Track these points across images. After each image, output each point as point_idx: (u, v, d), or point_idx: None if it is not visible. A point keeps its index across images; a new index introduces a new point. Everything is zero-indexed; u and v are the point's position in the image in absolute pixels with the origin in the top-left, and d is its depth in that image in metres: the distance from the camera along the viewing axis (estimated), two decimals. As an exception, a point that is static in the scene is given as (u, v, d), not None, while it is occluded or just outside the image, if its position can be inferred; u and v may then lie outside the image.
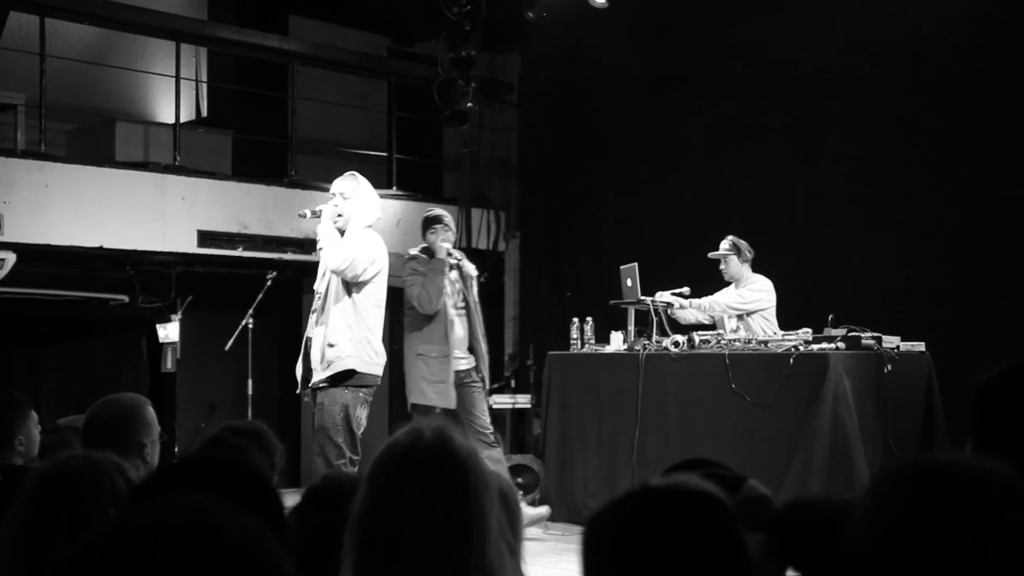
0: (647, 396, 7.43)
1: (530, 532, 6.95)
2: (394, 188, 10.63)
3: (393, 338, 8.27)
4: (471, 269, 7.55)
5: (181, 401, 9.76)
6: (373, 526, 1.94)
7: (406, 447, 1.98)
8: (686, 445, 7.08)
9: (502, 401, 9.79)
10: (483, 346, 7.53)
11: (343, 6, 11.33)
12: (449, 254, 7.34)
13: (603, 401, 7.78)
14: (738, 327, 7.74)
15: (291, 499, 2.46)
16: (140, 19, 9.47)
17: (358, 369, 6.18)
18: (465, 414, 7.33)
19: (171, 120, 9.64)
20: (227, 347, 8.66)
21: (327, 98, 10.97)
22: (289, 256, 9.58)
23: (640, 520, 1.45)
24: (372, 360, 6.26)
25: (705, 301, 7.92)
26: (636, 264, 7.85)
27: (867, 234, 8.46)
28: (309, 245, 6.49)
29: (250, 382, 8.92)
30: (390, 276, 6.51)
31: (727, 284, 8.04)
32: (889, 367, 6.80)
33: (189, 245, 9.17)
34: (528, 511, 7.31)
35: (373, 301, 6.31)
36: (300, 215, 6.70)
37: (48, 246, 8.45)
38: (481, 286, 8.15)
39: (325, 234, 6.30)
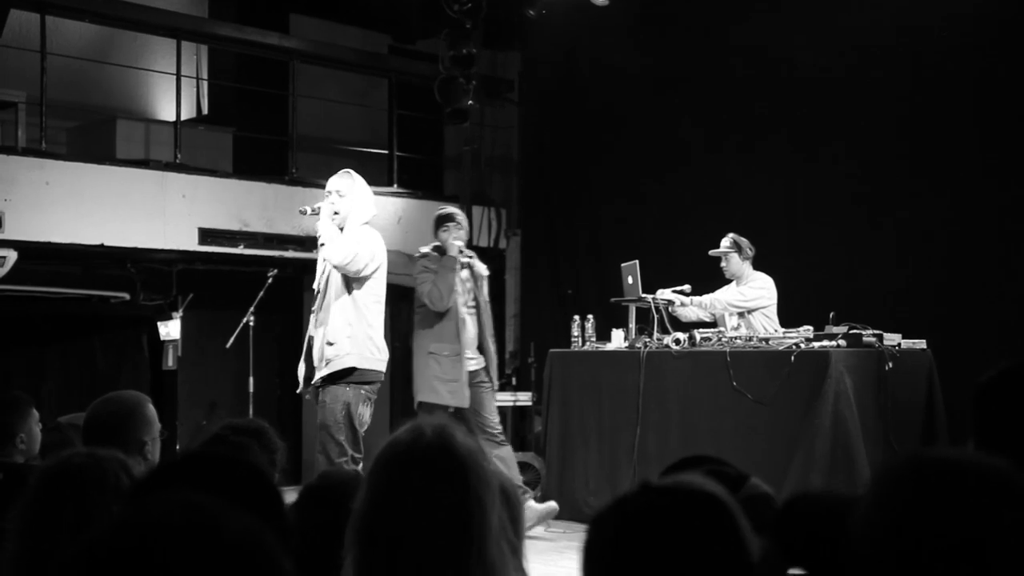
0: (648, 394, 7.43)
1: (531, 530, 6.96)
2: (395, 186, 10.63)
3: (393, 335, 8.27)
4: (482, 269, 7.55)
5: (182, 399, 9.75)
6: (374, 524, 1.95)
7: (407, 445, 1.99)
8: (687, 443, 7.08)
9: (503, 399, 9.78)
10: (492, 346, 7.53)
11: (344, 4, 11.33)
12: (461, 252, 7.34)
13: (604, 399, 7.79)
14: (739, 325, 7.74)
15: (292, 496, 2.46)
16: (141, 17, 9.47)
17: (358, 366, 6.17)
18: (474, 414, 7.33)
19: (172, 118, 9.65)
20: (228, 345, 8.66)
21: (328, 96, 10.98)
22: (290, 254, 9.58)
23: (639, 520, 1.45)
24: (374, 356, 6.25)
25: (706, 299, 7.92)
26: (637, 262, 7.85)
27: (867, 234, 8.45)
28: (310, 242, 6.49)
29: (251, 380, 8.92)
30: (390, 273, 6.51)
31: (728, 282, 8.03)
32: (890, 364, 6.80)
33: (190, 243, 9.17)
34: (536, 507, 7.32)
35: (374, 297, 6.30)
36: (301, 211, 6.69)
37: (49, 244, 8.45)
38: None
39: (325, 230, 6.30)
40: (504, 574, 2.01)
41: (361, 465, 5.95)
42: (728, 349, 7.12)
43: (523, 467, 8.36)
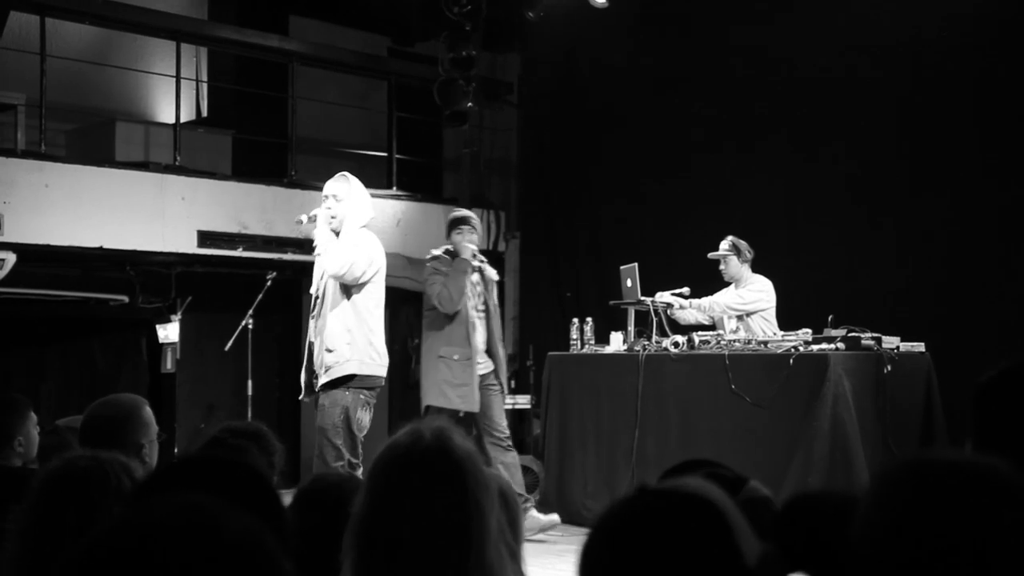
0: (647, 397, 7.43)
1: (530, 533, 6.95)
2: (394, 188, 10.63)
3: (392, 338, 8.26)
4: (492, 274, 7.55)
5: (181, 401, 9.75)
6: (373, 526, 1.95)
7: (406, 448, 1.99)
8: (686, 446, 7.08)
9: (501, 401, 9.79)
10: (502, 350, 7.53)
11: (343, 6, 11.33)
12: (473, 255, 7.33)
13: (603, 401, 7.78)
14: (738, 327, 7.74)
15: (289, 499, 2.46)
16: (140, 19, 9.47)
17: (358, 372, 6.15)
18: (482, 418, 7.33)
19: (171, 120, 9.64)
20: (227, 347, 8.65)
21: (327, 98, 10.98)
22: (289, 256, 9.57)
23: (632, 524, 1.45)
24: (375, 361, 6.23)
25: (705, 301, 7.93)
26: (636, 264, 7.85)
27: (867, 234, 8.45)
28: (309, 245, 6.47)
29: (250, 383, 8.91)
30: (389, 276, 6.50)
31: (727, 284, 8.04)
32: (889, 368, 6.80)
33: (189, 245, 9.17)
34: (539, 517, 7.31)
35: (374, 301, 6.29)
36: (297, 222, 6.65)
37: (48, 246, 8.45)
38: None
39: (322, 238, 6.27)
40: (503, 577, 2.01)
41: (360, 471, 5.94)
42: (727, 352, 7.11)
43: (522, 471, 8.36)
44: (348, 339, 6.13)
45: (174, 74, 9.54)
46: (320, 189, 6.63)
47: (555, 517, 7.35)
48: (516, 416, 10.09)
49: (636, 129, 9.98)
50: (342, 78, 11.30)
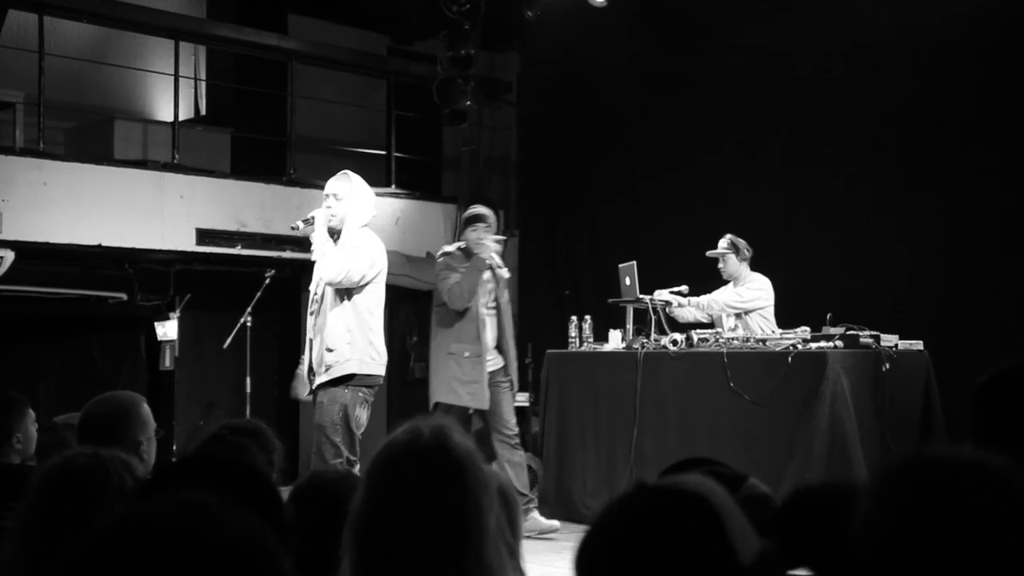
0: (645, 395, 7.43)
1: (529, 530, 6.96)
2: (393, 187, 10.63)
3: (391, 336, 8.25)
4: (504, 272, 7.55)
5: (179, 399, 9.75)
6: (372, 524, 1.95)
7: (405, 446, 1.99)
8: (684, 443, 7.08)
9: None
10: (512, 348, 7.52)
11: (342, 5, 11.33)
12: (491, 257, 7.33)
13: (601, 399, 7.78)
14: (736, 326, 7.74)
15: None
16: (139, 17, 9.46)
17: (358, 372, 6.13)
18: (492, 415, 7.33)
19: (170, 118, 9.64)
20: (225, 345, 8.65)
21: (326, 96, 10.97)
22: (287, 254, 9.57)
23: (622, 519, 1.46)
24: (374, 361, 6.22)
25: (703, 299, 7.93)
26: (634, 262, 7.85)
27: (867, 234, 8.45)
28: (307, 243, 6.45)
29: (248, 380, 8.92)
30: (388, 274, 6.48)
31: (725, 283, 8.04)
32: (887, 366, 6.80)
33: (188, 243, 9.16)
34: (541, 521, 7.30)
35: (374, 301, 6.26)
36: (292, 228, 6.63)
37: (47, 244, 8.44)
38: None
39: (319, 242, 6.24)
40: (502, 575, 2.01)
41: (357, 467, 5.93)
42: (725, 350, 7.11)
43: (523, 469, 8.36)
44: (348, 339, 6.11)
45: (173, 72, 9.53)
46: (319, 187, 6.61)
47: (556, 523, 7.33)
48: (515, 414, 10.09)
49: (635, 128, 9.98)
50: (341, 76, 11.30)
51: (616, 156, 10.17)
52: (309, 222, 6.36)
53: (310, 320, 6.33)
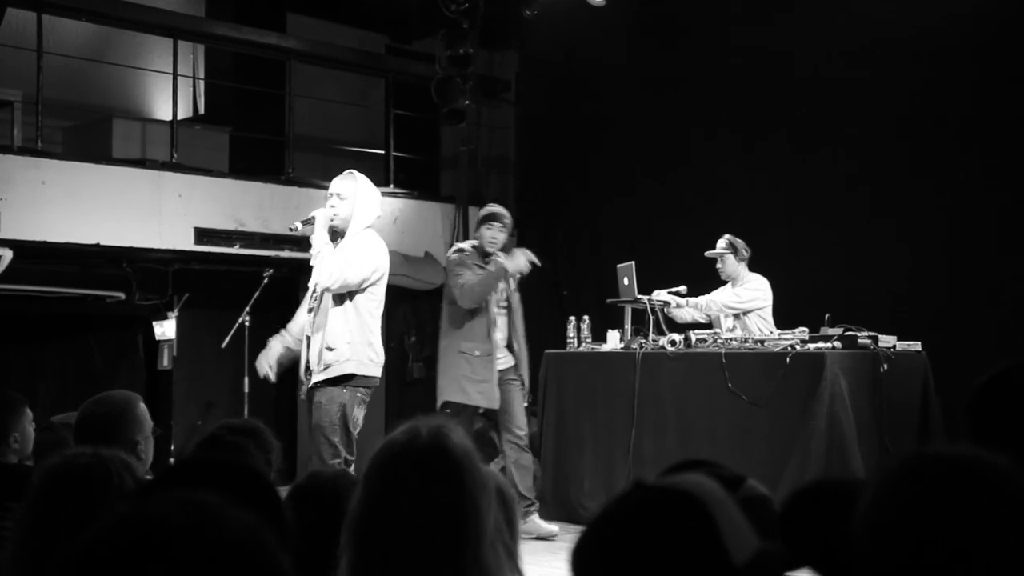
0: (644, 395, 7.43)
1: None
2: (391, 186, 10.62)
3: (390, 335, 8.25)
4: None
5: (177, 398, 9.75)
6: (370, 524, 1.94)
7: (403, 446, 1.99)
8: (683, 444, 7.08)
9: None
10: (524, 348, 7.51)
11: (341, 4, 11.33)
12: (513, 276, 7.33)
13: (600, 400, 7.77)
14: (734, 326, 7.74)
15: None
16: (138, 16, 9.47)
17: (356, 372, 6.11)
18: (502, 415, 7.32)
19: (168, 117, 9.63)
20: (223, 344, 8.64)
21: (325, 95, 10.97)
22: (286, 253, 9.56)
23: (614, 518, 1.46)
24: (372, 362, 6.20)
25: (702, 300, 7.93)
26: (633, 263, 7.84)
27: (866, 234, 8.46)
28: (306, 243, 6.43)
29: (246, 379, 8.89)
30: (390, 275, 6.45)
31: (724, 283, 8.04)
32: (885, 366, 6.80)
33: (186, 242, 9.16)
34: (540, 524, 7.30)
35: (375, 302, 6.23)
36: (291, 229, 6.60)
37: (45, 243, 8.44)
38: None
39: (317, 244, 6.20)
40: (499, 575, 2.01)
41: (353, 467, 5.93)
42: (724, 350, 7.11)
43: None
44: (349, 339, 6.08)
45: (171, 71, 9.53)
46: (317, 187, 6.61)
47: (555, 528, 7.32)
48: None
49: (634, 127, 9.98)
50: (340, 75, 11.30)
51: (615, 156, 10.17)
52: (309, 222, 6.32)
53: (308, 318, 6.28)
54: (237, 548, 1.18)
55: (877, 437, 6.71)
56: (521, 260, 7.29)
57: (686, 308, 7.91)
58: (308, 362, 6.21)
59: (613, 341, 7.92)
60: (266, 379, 6.55)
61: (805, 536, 1.75)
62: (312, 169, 10.15)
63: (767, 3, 9.15)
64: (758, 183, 9.01)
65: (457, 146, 11.26)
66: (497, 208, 7.55)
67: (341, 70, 11.20)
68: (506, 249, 7.50)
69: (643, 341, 7.58)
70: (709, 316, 7.95)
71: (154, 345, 9.36)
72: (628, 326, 7.95)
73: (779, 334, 7.24)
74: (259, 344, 9.20)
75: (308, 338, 6.26)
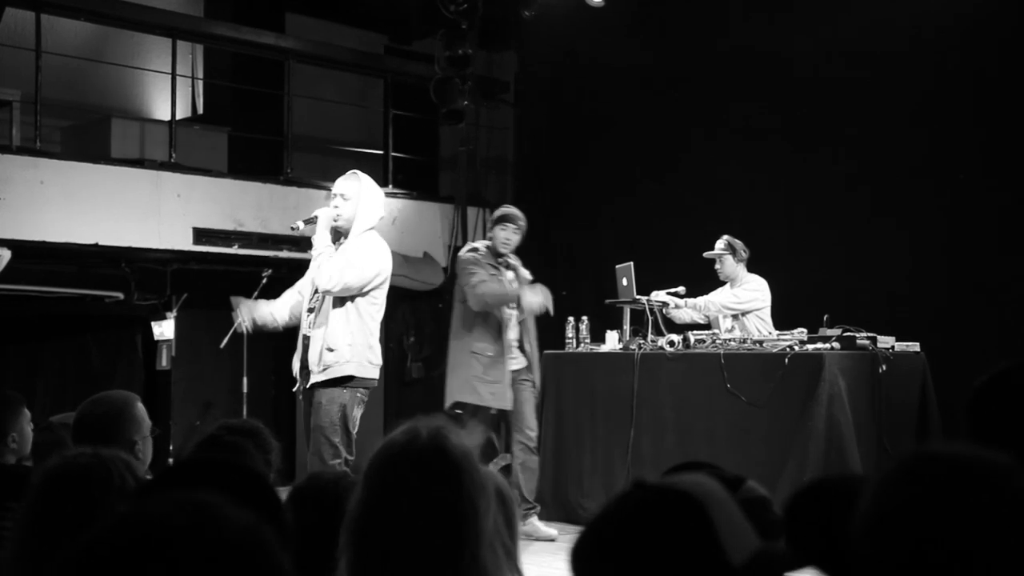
0: (642, 396, 7.43)
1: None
2: (390, 186, 10.61)
3: (389, 336, 8.25)
4: (526, 273, 7.57)
5: (176, 399, 9.74)
6: (369, 525, 1.94)
7: (403, 446, 1.98)
8: (681, 445, 7.08)
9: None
10: (536, 349, 7.52)
11: (340, 4, 11.33)
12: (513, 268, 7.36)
13: (598, 401, 7.77)
14: (733, 327, 7.75)
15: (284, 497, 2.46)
16: (136, 16, 9.46)
17: (356, 374, 6.09)
18: (514, 415, 7.33)
19: (167, 117, 9.63)
20: (222, 345, 8.62)
21: (323, 96, 10.97)
22: (284, 254, 9.56)
23: (613, 520, 1.46)
24: (371, 364, 6.18)
25: (700, 301, 7.93)
26: (632, 263, 7.84)
27: (866, 234, 8.45)
28: (305, 243, 6.41)
29: (245, 380, 8.90)
30: (392, 275, 6.44)
31: (722, 284, 8.04)
32: (884, 367, 6.80)
33: (184, 242, 9.15)
34: (540, 527, 7.30)
35: (376, 306, 6.20)
36: (292, 228, 6.57)
37: (43, 243, 8.43)
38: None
39: (319, 244, 6.18)
40: (498, 576, 2.01)
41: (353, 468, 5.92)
42: (722, 351, 7.11)
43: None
44: (350, 340, 6.05)
45: (170, 71, 9.52)
46: (316, 187, 6.60)
47: (554, 532, 7.32)
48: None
49: (633, 128, 9.97)
50: (338, 76, 11.29)
51: (613, 156, 10.16)
52: (311, 221, 6.28)
53: (307, 317, 6.24)
54: (237, 548, 1.18)
55: (876, 438, 6.72)
56: (538, 300, 7.32)
57: (685, 309, 7.91)
58: (305, 361, 6.18)
59: (612, 342, 7.92)
60: (238, 328, 6.56)
61: (809, 534, 1.75)
62: (311, 169, 10.15)
63: (767, 3, 9.15)
64: (758, 183, 9.01)
65: (456, 146, 11.26)
66: (512, 210, 7.58)
67: (340, 70, 11.19)
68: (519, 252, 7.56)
69: (642, 342, 7.58)
70: (708, 317, 7.95)
71: (153, 345, 9.36)
72: (627, 327, 7.95)
73: (778, 335, 7.24)
74: (257, 344, 9.23)
75: (307, 338, 6.23)
